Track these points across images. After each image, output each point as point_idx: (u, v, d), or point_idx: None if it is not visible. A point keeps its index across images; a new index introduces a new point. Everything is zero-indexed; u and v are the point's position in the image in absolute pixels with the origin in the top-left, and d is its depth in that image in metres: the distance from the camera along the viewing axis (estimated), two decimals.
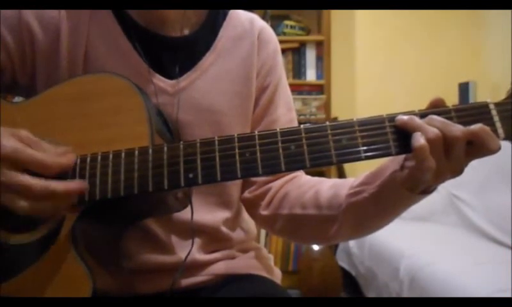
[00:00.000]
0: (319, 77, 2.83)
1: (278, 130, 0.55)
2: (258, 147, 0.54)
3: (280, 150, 0.54)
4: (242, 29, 0.77)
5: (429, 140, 0.50)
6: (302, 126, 0.55)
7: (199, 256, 0.72)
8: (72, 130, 0.60)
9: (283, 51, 2.56)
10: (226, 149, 0.55)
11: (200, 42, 0.74)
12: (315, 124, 0.55)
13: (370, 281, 2.17)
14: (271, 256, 0.86)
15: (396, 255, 1.93)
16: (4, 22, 0.66)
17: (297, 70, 2.84)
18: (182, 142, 0.57)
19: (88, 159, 0.58)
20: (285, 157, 0.54)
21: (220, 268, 0.74)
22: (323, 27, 2.82)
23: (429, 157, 0.50)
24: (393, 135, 0.53)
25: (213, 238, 0.74)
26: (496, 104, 0.53)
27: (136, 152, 0.57)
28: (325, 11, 2.81)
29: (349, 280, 2.46)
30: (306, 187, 0.72)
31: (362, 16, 2.88)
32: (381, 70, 2.89)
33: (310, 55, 2.83)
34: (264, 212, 0.76)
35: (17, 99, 0.75)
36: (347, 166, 2.65)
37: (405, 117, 0.53)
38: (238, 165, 0.54)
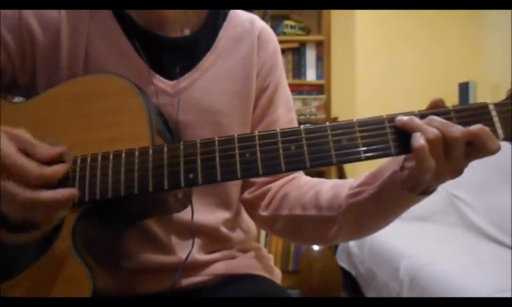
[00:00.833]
0: (319, 77, 2.82)
1: (278, 130, 0.55)
2: (258, 147, 0.54)
3: (280, 151, 0.54)
4: (242, 30, 0.77)
5: (428, 140, 0.50)
6: (302, 126, 0.55)
7: (199, 256, 0.72)
8: (72, 130, 0.60)
9: (283, 51, 2.56)
10: (226, 149, 0.55)
11: (200, 42, 0.74)
12: (315, 124, 0.55)
13: (370, 281, 2.17)
14: (271, 256, 0.86)
15: (396, 255, 1.93)
16: (4, 22, 0.66)
17: (297, 70, 2.84)
18: (182, 142, 0.57)
19: (89, 159, 0.58)
20: (285, 157, 0.54)
21: (220, 268, 0.74)
22: (323, 27, 2.82)
23: (429, 157, 0.50)
24: (393, 135, 0.53)
25: (213, 239, 0.74)
26: (496, 105, 0.53)
27: (136, 152, 0.57)
28: (325, 11, 2.81)
29: (349, 280, 2.46)
30: (306, 188, 0.72)
31: (362, 16, 2.88)
32: (381, 70, 2.89)
33: (310, 55, 2.83)
34: (264, 213, 0.76)
35: (17, 99, 0.75)
36: (347, 166, 2.65)
37: (405, 117, 0.53)
38: (238, 165, 0.54)
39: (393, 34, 2.89)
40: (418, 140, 0.50)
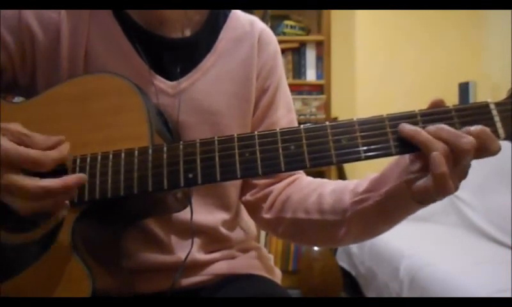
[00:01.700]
0: (319, 77, 2.82)
1: (277, 130, 0.55)
2: (257, 147, 0.54)
3: (280, 150, 0.54)
4: (242, 31, 0.77)
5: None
6: (302, 126, 0.55)
7: (199, 255, 0.72)
8: (72, 130, 0.60)
9: (283, 51, 2.56)
10: (226, 149, 0.55)
11: (200, 43, 0.74)
12: (315, 124, 0.55)
13: (370, 281, 2.17)
14: (271, 256, 0.86)
15: (396, 255, 1.93)
16: (4, 23, 0.66)
17: (297, 70, 2.84)
18: (181, 142, 0.57)
19: (88, 159, 0.58)
20: (285, 157, 0.53)
21: (220, 268, 0.74)
22: (323, 27, 2.82)
23: (449, 180, 0.49)
24: (394, 135, 0.53)
25: (212, 239, 0.74)
26: (497, 104, 0.52)
27: (136, 152, 0.57)
28: (325, 11, 2.81)
29: (349, 280, 2.46)
30: (308, 190, 0.72)
31: (362, 16, 2.88)
32: (381, 70, 2.89)
33: (310, 55, 2.83)
34: (267, 215, 0.75)
35: (17, 99, 0.75)
36: (347, 166, 2.65)
37: (411, 128, 0.52)
38: (238, 165, 0.54)
39: (393, 34, 2.89)
40: (440, 167, 0.49)
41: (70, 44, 0.68)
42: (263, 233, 2.57)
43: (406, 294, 1.73)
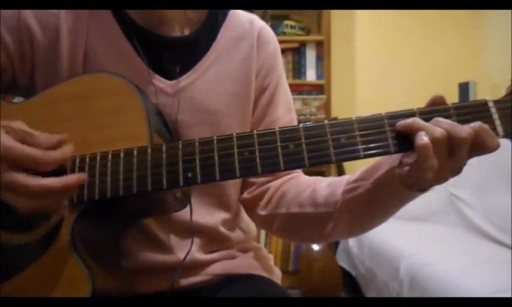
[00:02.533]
0: (319, 77, 2.83)
1: (276, 129, 0.55)
2: (257, 146, 0.54)
3: (279, 149, 0.54)
4: (242, 30, 0.77)
5: (433, 139, 0.49)
6: (301, 125, 0.55)
7: (199, 255, 0.72)
8: (71, 129, 0.60)
9: (283, 51, 2.56)
10: (225, 148, 0.55)
11: (199, 42, 0.74)
12: (314, 123, 0.55)
13: (370, 281, 2.16)
14: (271, 256, 0.86)
15: (396, 255, 1.93)
16: (4, 22, 0.66)
17: (297, 70, 2.84)
18: (180, 141, 0.57)
19: (87, 159, 0.58)
20: (284, 155, 0.53)
21: (220, 268, 0.74)
22: (323, 27, 2.82)
23: (432, 155, 0.50)
24: (393, 133, 0.52)
25: (212, 239, 0.74)
26: (496, 102, 0.52)
27: (135, 152, 0.57)
28: (325, 11, 2.81)
29: (349, 280, 2.46)
30: (303, 186, 0.72)
31: (362, 16, 2.88)
32: (381, 70, 2.89)
33: (310, 55, 2.83)
34: (262, 212, 0.75)
35: (17, 99, 0.75)
36: (347, 165, 2.65)
37: (408, 120, 0.52)
38: (237, 164, 0.54)
39: (393, 34, 2.88)
40: (422, 138, 0.50)
41: (69, 44, 0.68)
42: (263, 233, 2.57)
43: (406, 294, 1.73)
